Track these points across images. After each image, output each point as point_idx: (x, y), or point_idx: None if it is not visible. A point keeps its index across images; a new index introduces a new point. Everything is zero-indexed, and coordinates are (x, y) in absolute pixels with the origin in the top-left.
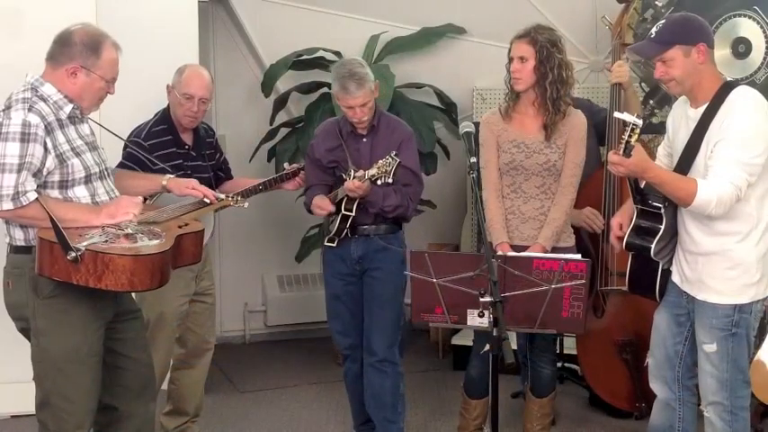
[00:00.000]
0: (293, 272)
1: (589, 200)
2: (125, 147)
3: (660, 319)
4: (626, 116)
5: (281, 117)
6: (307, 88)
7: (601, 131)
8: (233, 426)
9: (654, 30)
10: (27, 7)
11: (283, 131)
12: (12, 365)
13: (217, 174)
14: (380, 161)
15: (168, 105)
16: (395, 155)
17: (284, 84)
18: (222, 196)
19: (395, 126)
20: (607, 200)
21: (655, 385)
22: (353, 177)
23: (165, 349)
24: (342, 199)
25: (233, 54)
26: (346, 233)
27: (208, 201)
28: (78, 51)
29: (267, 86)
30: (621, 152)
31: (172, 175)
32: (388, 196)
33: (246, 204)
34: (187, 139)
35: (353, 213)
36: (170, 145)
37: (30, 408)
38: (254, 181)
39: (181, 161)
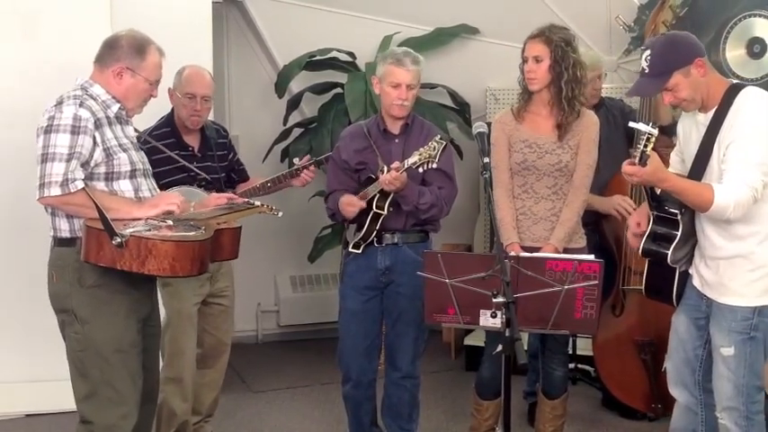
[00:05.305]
0: (306, 272)
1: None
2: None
3: (679, 323)
4: (641, 126)
5: (295, 117)
6: (320, 89)
7: (631, 133)
8: (246, 425)
9: (644, 64)
10: (42, 9)
11: (296, 132)
12: (27, 365)
13: (229, 175)
14: (422, 148)
15: (172, 109)
16: (440, 138)
17: (297, 84)
18: (258, 203)
19: (429, 129)
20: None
21: (674, 390)
22: (389, 170)
23: (192, 349)
24: (372, 198)
25: (247, 55)
26: (373, 239)
27: (237, 204)
28: (124, 53)
29: (281, 87)
30: (637, 161)
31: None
32: (423, 194)
33: (281, 213)
34: (192, 141)
35: (385, 212)
36: (172, 148)
37: (44, 407)
38: (263, 180)
39: (183, 164)
